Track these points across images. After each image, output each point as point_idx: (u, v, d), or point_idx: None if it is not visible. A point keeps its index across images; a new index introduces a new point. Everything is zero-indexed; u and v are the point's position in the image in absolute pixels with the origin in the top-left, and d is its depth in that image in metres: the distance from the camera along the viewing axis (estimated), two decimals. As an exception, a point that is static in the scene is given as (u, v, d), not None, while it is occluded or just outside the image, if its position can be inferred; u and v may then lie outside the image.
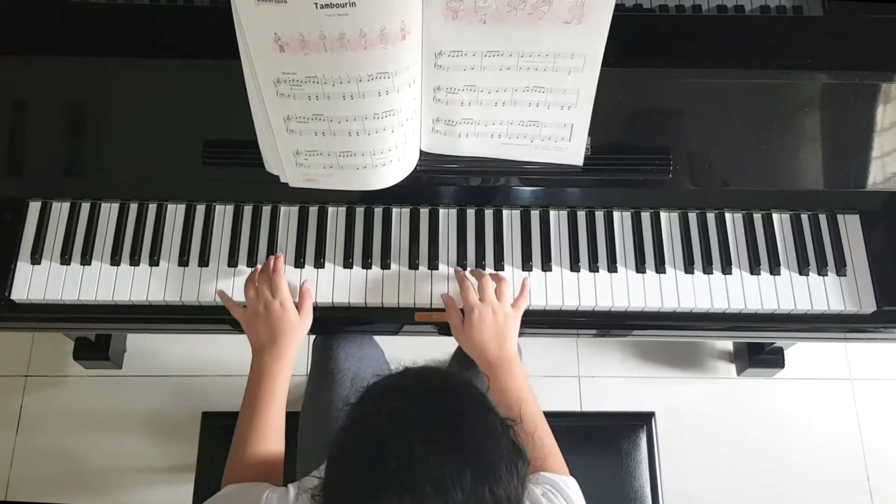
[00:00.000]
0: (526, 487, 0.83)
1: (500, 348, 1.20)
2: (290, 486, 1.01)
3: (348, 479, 0.81)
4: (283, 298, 1.21)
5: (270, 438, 1.15)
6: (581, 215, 1.34)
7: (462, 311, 1.24)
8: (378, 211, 1.33)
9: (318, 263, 1.30)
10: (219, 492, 1.09)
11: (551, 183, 1.29)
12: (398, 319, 1.30)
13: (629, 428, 1.48)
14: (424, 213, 1.33)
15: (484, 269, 1.30)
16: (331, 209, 1.33)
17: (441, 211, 1.33)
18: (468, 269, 1.30)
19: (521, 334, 1.34)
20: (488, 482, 0.77)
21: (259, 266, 1.27)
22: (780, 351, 1.93)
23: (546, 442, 1.14)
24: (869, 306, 1.29)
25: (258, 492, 1.02)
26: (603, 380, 2.01)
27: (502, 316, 1.22)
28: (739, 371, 2.01)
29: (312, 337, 1.44)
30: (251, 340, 1.23)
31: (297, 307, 1.23)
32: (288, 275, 1.27)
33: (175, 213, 1.33)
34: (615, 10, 1.03)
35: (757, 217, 1.34)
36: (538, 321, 1.31)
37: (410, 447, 0.77)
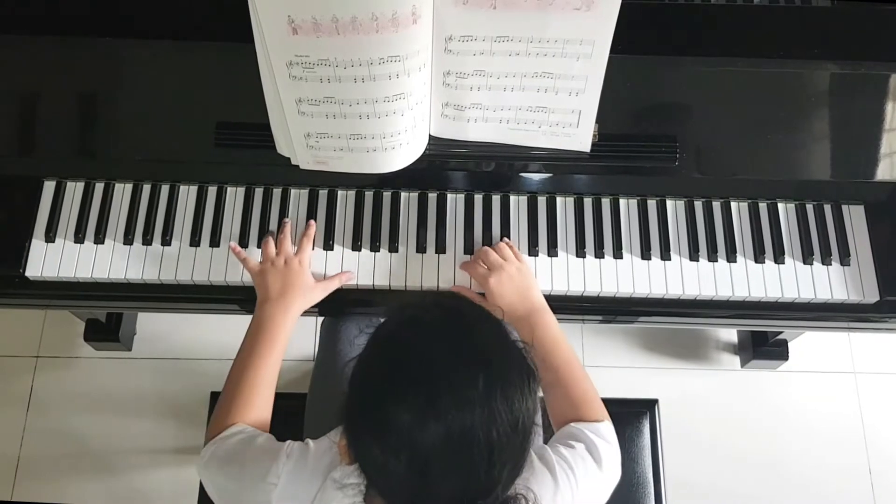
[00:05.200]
0: (537, 403, 0.85)
1: (526, 300, 1.22)
2: (310, 441, 1.03)
3: (368, 386, 0.84)
4: (302, 257, 1.26)
5: (263, 388, 1.16)
6: (587, 202, 1.35)
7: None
8: (387, 195, 1.34)
9: (328, 246, 1.31)
10: (225, 430, 1.10)
11: (558, 169, 1.30)
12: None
13: (633, 414, 1.49)
14: (433, 197, 1.35)
15: (491, 253, 1.32)
16: (340, 192, 1.35)
17: (449, 196, 1.35)
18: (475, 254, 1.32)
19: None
20: (500, 384, 0.80)
21: (279, 232, 1.30)
22: (784, 343, 1.94)
23: (579, 385, 1.16)
24: (872, 296, 1.30)
25: (275, 442, 1.05)
26: (607, 369, 2.02)
27: (514, 269, 1.24)
28: (743, 363, 2.02)
29: (320, 319, 1.46)
30: (259, 290, 1.24)
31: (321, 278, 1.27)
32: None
33: (187, 194, 1.34)
34: (624, -3, 1.04)
35: (762, 206, 1.35)
36: (544, 306, 1.33)
37: (426, 349, 0.81)
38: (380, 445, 0.80)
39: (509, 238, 1.32)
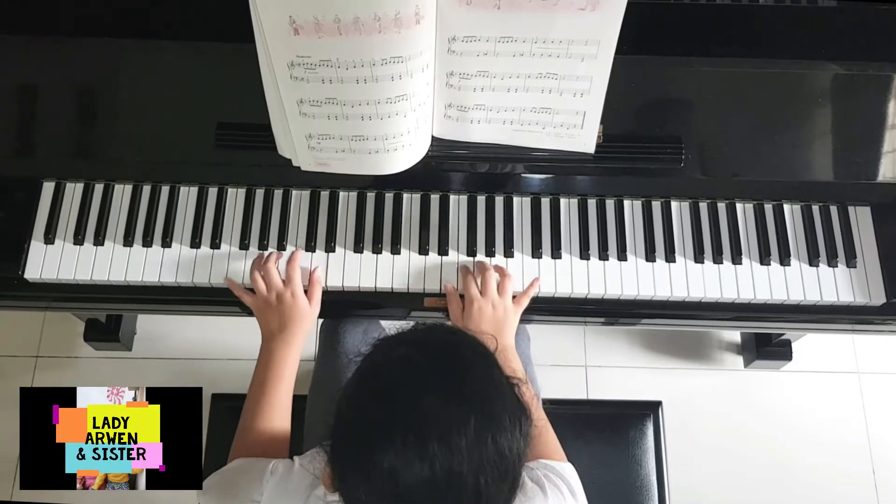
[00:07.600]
0: (528, 444, 0.83)
1: (497, 342, 1.20)
2: (296, 458, 1.03)
3: (355, 424, 0.81)
4: (294, 289, 1.23)
5: (277, 420, 1.17)
6: (592, 203, 1.34)
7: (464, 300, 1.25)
8: (389, 196, 1.33)
9: (329, 248, 1.30)
10: (229, 463, 1.12)
11: (562, 170, 1.29)
12: (407, 304, 1.31)
13: (636, 416, 1.48)
14: (435, 198, 1.34)
15: (494, 255, 1.31)
16: (342, 194, 1.33)
17: (452, 197, 1.34)
18: (478, 255, 1.31)
19: (529, 321, 1.36)
20: (491, 431, 0.78)
21: (265, 253, 1.28)
22: (788, 343, 1.94)
23: (546, 434, 1.15)
24: (878, 298, 1.29)
25: (264, 463, 1.04)
26: (610, 370, 2.02)
27: (502, 310, 1.24)
28: (747, 363, 2.01)
29: (320, 321, 1.45)
30: (261, 327, 1.25)
31: (306, 295, 1.24)
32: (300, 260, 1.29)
33: (188, 195, 1.33)
34: (629, -3, 1.03)
35: (768, 207, 1.34)
36: (547, 308, 1.32)
37: (417, 393, 0.78)
38: (364, 486, 0.79)
39: (512, 240, 1.31)
